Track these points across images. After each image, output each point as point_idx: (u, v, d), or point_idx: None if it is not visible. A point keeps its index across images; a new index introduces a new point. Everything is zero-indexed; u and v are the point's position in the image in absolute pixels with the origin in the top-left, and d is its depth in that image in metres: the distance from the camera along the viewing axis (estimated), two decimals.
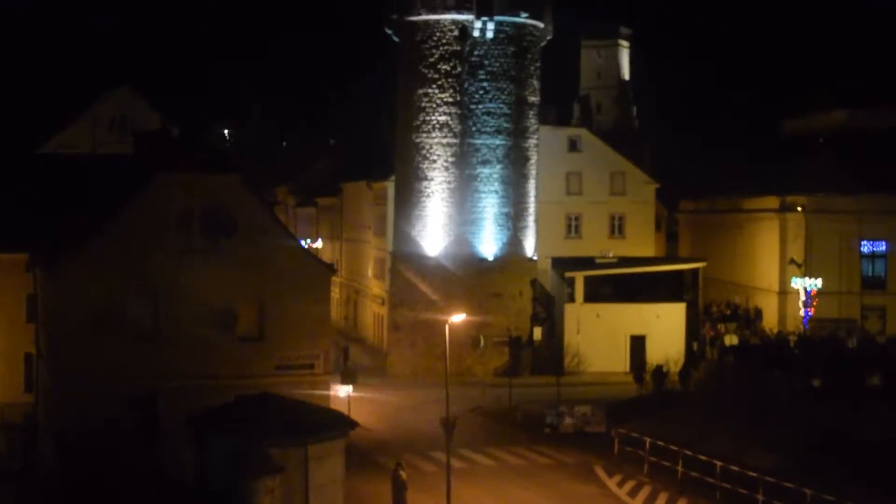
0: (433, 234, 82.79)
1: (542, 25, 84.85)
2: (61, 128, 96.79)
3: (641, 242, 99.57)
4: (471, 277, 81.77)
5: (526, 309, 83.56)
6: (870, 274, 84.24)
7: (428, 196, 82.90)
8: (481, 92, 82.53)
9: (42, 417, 57.12)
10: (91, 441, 49.16)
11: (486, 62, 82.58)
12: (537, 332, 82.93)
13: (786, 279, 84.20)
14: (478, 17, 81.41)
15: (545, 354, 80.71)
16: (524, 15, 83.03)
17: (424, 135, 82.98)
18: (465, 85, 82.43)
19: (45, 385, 56.22)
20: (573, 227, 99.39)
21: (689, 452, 53.13)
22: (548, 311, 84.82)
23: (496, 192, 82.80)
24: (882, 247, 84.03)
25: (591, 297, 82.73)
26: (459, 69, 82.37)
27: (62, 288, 52.84)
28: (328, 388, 56.99)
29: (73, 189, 63.11)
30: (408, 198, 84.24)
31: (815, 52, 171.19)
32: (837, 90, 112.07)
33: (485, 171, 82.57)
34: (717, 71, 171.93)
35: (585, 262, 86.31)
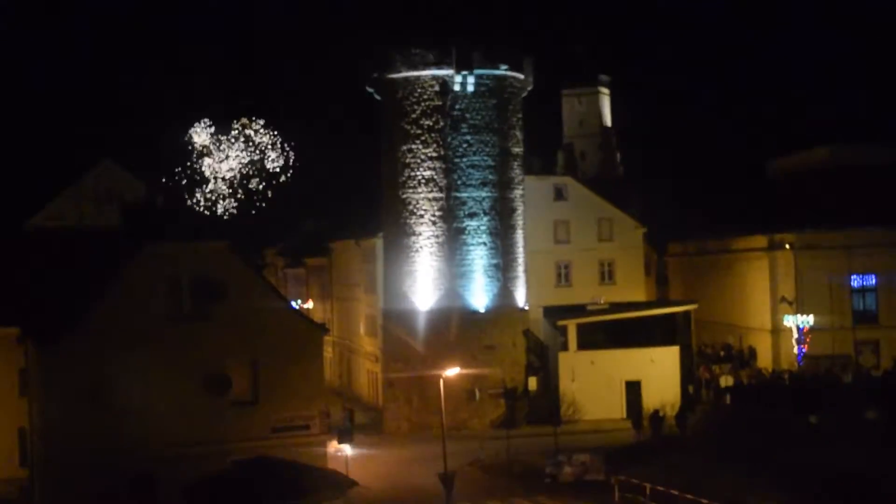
0: (423, 288, 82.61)
1: (522, 77, 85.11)
2: (46, 202, 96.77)
3: (632, 287, 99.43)
4: (463, 330, 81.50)
5: (520, 359, 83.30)
6: (861, 308, 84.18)
7: (417, 251, 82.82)
8: (465, 145, 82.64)
9: (37, 492, 56.84)
10: None
11: (469, 116, 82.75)
12: (532, 383, 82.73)
13: (778, 317, 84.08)
14: (458, 72, 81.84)
15: (541, 404, 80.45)
16: (504, 68, 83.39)
17: (410, 190, 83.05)
18: (449, 139, 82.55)
19: (39, 459, 56.01)
20: (563, 275, 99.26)
21: (690, 496, 52.90)
22: (542, 360, 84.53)
23: (484, 244, 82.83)
24: (872, 280, 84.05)
25: (584, 345, 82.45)
26: (442, 124, 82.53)
27: (54, 361, 52.80)
28: (325, 448, 56.91)
29: (62, 262, 63.14)
30: (397, 254, 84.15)
31: (797, 91, 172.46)
32: (820, 127, 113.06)
33: (472, 223, 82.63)
34: (699, 113, 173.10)
35: (577, 310, 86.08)
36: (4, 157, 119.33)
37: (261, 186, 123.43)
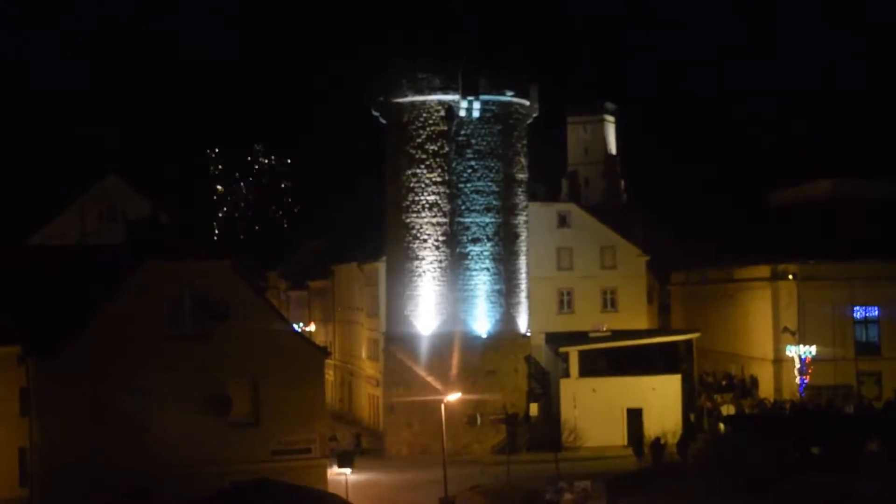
0: (426, 313, 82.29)
1: (527, 104, 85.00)
2: (49, 220, 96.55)
3: (634, 315, 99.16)
4: (465, 356, 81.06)
5: (521, 385, 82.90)
6: (863, 340, 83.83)
7: (419, 276, 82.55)
8: (469, 171, 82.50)
9: None
10: None
11: (474, 141, 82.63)
12: (534, 409, 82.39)
13: (780, 347, 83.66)
14: (463, 98, 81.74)
15: (542, 431, 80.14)
16: (509, 94, 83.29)
17: (414, 215, 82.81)
18: (453, 164, 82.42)
19: (39, 479, 55.69)
20: (565, 302, 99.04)
21: None
22: (543, 386, 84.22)
23: (487, 269, 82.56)
24: (874, 312, 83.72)
25: (585, 372, 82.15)
26: (447, 149, 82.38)
27: (55, 380, 52.67)
28: (325, 472, 56.62)
29: (64, 280, 62.77)
30: (399, 278, 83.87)
31: (800, 124, 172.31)
32: (823, 160, 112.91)
33: (475, 249, 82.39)
34: (704, 143, 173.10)
35: (579, 337, 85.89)
36: (6, 171, 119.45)
37: (279, 214, 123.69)
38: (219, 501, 45.08)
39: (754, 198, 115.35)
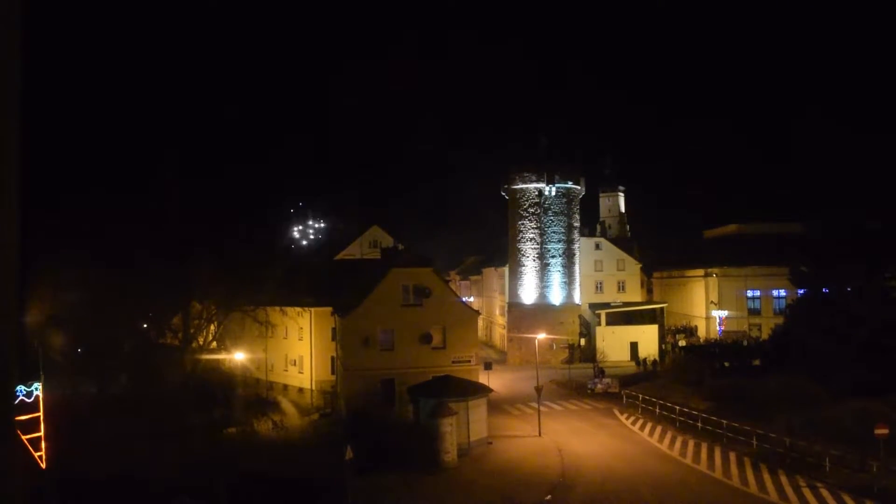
0: (528, 292, 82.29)
1: (579, 188, 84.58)
2: (344, 247, 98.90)
3: (634, 294, 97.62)
4: (547, 314, 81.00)
5: (576, 329, 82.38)
6: (752, 307, 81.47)
7: (524, 274, 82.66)
8: (549, 222, 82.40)
9: (339, 388, 58.09)
10: (361, 400, 49.92)
11: (552, 207, 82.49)
12: (582, 341, 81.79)
13: (709, 311, 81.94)
14: (546, 185, 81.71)
15: (586, 352, 79.51)
16: (570, 183, 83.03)
17: (522, 243, 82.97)
18: (541, 218, 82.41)
19: (340, 372, 57.13)
20: (599, 287, 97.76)
21: (661, 402, 51.95)
22: (587, 330, 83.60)
23: (559, 271, 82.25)
24: (757, 293, 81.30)
25: (609, 323, 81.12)
26: (538, 211, 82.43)
27: (348, 325, 53.90)
28: (478, 372, 57.05)
29: (353, 276, 64.35)
30: (514, 275, 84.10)
31: (720, 189, 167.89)
32: (732, 212, 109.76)
33: (553, 261, 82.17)
34: (668, 204, 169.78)
35: (605, 306, 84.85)
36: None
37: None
38: (427, 385, 45.71)
39: (696, 235, 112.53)
